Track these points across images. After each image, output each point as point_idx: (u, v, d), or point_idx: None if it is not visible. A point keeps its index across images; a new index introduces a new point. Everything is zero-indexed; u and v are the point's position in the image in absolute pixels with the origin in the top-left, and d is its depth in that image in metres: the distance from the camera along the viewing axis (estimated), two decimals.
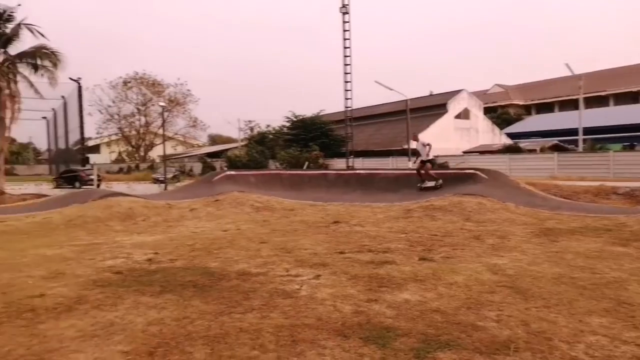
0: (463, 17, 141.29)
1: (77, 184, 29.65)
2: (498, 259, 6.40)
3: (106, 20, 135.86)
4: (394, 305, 4.50)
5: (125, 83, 62.43)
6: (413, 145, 15.60)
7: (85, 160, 42.43)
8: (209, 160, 51.34)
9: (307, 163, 33.18)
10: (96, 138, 68.96)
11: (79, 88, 39.33)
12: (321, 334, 3.82)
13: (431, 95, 48.08)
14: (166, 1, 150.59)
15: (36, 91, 19.70)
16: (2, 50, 18.67)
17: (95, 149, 69.52)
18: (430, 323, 4.01)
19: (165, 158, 34.46)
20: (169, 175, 30.01)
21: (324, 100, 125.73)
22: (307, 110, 65.53)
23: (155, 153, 66.87)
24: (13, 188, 22.51)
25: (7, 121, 18.62)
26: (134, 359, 3.41)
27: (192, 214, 10.91)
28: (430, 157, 14.59)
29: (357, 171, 17.71)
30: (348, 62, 28.50)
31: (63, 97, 42.03)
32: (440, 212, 10.38)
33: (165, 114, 43.57)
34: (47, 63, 19.00)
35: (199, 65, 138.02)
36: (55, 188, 29.36)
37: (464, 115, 42.72)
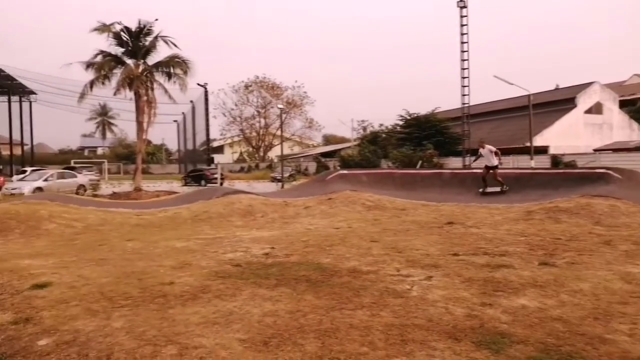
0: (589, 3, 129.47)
1: (202, 182, 31.97)
2: (633, 267, 5.78)
3: (229, 28, 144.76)
4: (510, 311, 4.27)
5: (246, 87, 66.13)
6: (480, 151, 15.02)
7: (210, 160, 45.70)
8: (323, 159, 52.52)
9: (420, 162, 32.60)
10: (220, 139, 73.71)
11: (206, 93, 42.46)
12: (431, 335, 3.75)
13: (557, 89, 44.73)
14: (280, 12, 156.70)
15: (170, 97, 21.64)
16: (142, 60, 20.76)
17: (219, 149, 74.30)
18: (551, 332, 3.75)
19: (282, 158, 35.84)
20: (286, 175, 31.19)
21: (439, 97, 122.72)
22: (422, 108, 64.30)
23: (274, 153, 69.98)
24: (148, 185, 24.90)
25: (145, 125, 20.67)
26: (250, 347, 3.60)
27: (307, 211, 11.25)
28: (495, 163, 14.39)
29: (474, 170, 17.02)
30: (465, 58, 27.57)
31: (191, 101, 45.54)
32: (565, 214, 9.63)
33: (283, 115, 45.33)
34: (178, 71, 20.77)
35: (316, 67, 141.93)
36: (183, 186, 31.91)
37: (595, 109, 39.17)
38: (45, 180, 23.17)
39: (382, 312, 4.33)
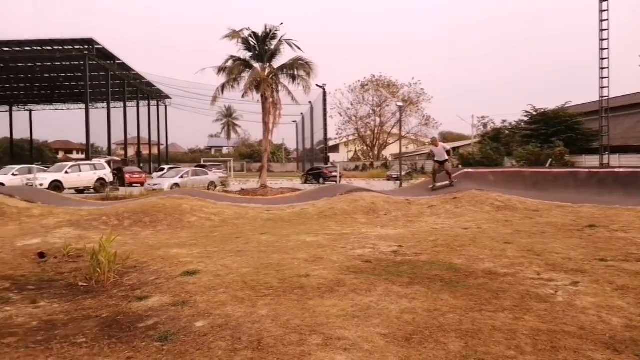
0: None
1: (321, 180, 32.79)
2: None
3: (347, 27, 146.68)
4: None
5: (362, 86, 66.63)
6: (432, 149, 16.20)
7: (327, 159, 46.73)
8: None
9: (550, 160, 30.45)
10: (336, 138, 75.07)
11: (324, 93, 43.51)
12: (586, 344, 3.50)
13: None
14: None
15: (293, 98, 22.51)
16: (268, 64, 21.82)
17: (335, 148, 75.73)
18: None
19: (400, 156, 35.56)
20: (403, 173, 30.90)
21: (568, 92, 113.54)
22: (550, 103, 59.94)
23: (388, 152, 69.70)
24: (271, 183, 26.08)
25: (270, 125, 21.71)
26: (392, 342, 3.63)
27: (431, 210, 11.06)
28: (446, 158, 15.25)
29: (616, 169, 15.52)
30: (605, 47, 25.24)
31: (310, 102, 46.87)
32: None
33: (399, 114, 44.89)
34: (302, 73, 21.52)
35: (433, 64, 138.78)
36: (304, 183, 32.98)
37: None
38: (181, 177, 25.33)
39: (526, 316, 4.13)
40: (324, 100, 44.92)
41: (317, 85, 35.66)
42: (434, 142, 16.50)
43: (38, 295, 5.50)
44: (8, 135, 69.04)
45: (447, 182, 14.88)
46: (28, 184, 22.10)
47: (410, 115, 65.58)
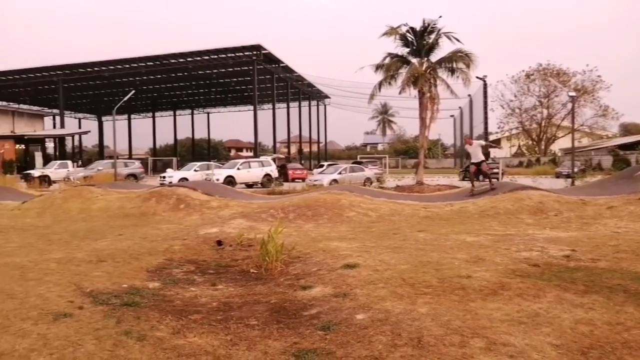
0: None
1: (481, 177, 31.23)
2: None
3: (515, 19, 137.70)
4: None
5: (527, 76, 61.89)
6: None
7: (487, 155, 44.43)
8: (621, 152, 45.39)
9: None
10: (497, 133, 70.92)
11: (485, 85, 41.48)
12: None
13: None
14: None
15: (452, 92, 21.86)
16: (425, 58, 21.51)
17: (496, 142, 71.63)
18: None
19: (573, 151, 32.34)
20: (575, 169, 28.03)
21: None
22: None
23: (557, 146, 63.82)
24: (427, 179, 25.63)
25: (427, 121, 21.37)
26: (566, 354, 3.33)
27: (610, 212, 9.87)
28: (482, 158, 14.21)
29: None
30: None
31: (469, 95, 45.03)
32: None
33: (571, 105, 40.75)
34: (461, 65, 20.80)
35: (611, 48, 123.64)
36: (462, 180, 31.78)
37: None
38: (339, 173, 26.19)
39: None
40: (485, 92, 42.83)
41: (477, 77, 34.12)
42: (467, 141, 15.02)
43: (217, 279, 6.14)
44: (190, 136, 78.32)
45: (486, 186, 13.49)
46: (207, 179, 24.76)
47: (584, 106, 59.13)
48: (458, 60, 20.78)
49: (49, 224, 10.74)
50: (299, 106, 59.74)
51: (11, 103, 58.58)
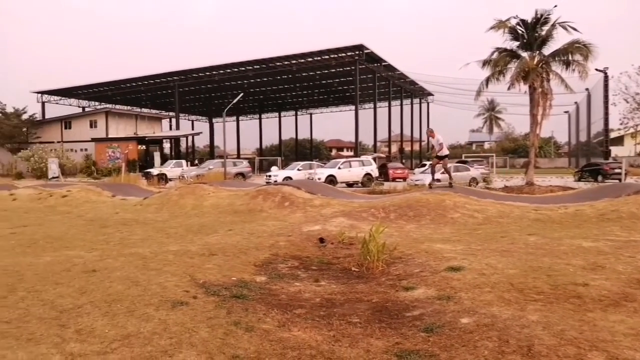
0: None
1: (599, 178, 28.83)
2: None
3: None
4: None
5: None
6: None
7: (607, 153, 40.77)
8: None
9: None
10: (619, 129, 64.82)
11: (605, 78, 38.09)
12: None
13: None
14: None
15: (566, 86, 20.30)
16: (537, 51, 20.24)
17: (618, 140, 65.54)
18: None
19: None
20: None
21: None
22: None
23: None
24: (537, 180, 24.11)
25: (539, 118, 20.07)
26: None
27: None
28: (446, 153, 14.35)
29: None
30: None
31: (587, 89, 41.68)
32: None
33: None
34: (577, 57, 19.28)
35: None
36: (577, 181, 29.54)
37: None
38: (442, 173, 25.49)
39: None
40: (605, 85, 39.25)
41: (596, 69, 31.44)
42: (430, 134, 14.76)
43: (319, 275, 6.27)
44: (293, 136, 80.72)
45: (446, 182, 13.97)
46: (309, 177, 25.36)
47: None
48: (574, 52, 19.26)
49: (166, 219, 11.62)
50: (401, 104, 59.07)
51: (134, 107, 64.26)
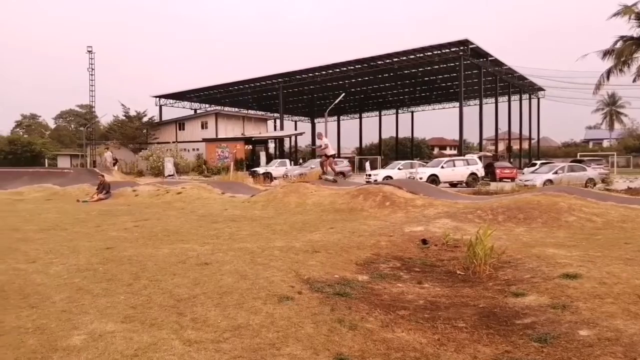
0: None
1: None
2: None
3: None
4: None
5: None
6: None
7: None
8: None
9: None
10: None
11: None
12: None
13: None
14: None
15: None
16: None
17: None
18: None
19: None
20: None
21: None
22: None
23: None
24: None
25: None
26: None
27: None
28: (331, 152, 17.08)
29: None
30: None
31: None
32: None
33: None
34: None
35: None
36: None
37: None
38: (555, 173, 23.88)
39: None
40: None
41: None
42: (319, 136, 16.89)
43: (422, 277, 6.15)
44: (394, 135, 80.00)
45: (331, 178, 16.16)
46: (410, 177, 24.97)
47: None
48: None
49: (272, 216, 12.04)
50: (509, 100, 56.16)
51: (241, 109, 67.50)
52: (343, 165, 35.39)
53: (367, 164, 40.84)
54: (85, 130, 58.96)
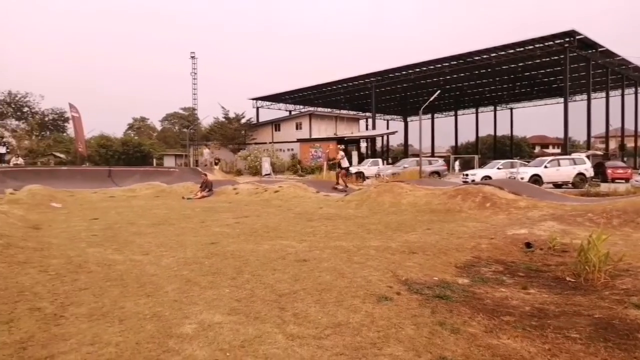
0: None
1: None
2: None
3: None
4: None
5: None
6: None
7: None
8: None
9: None
10: None
11: None
12: None
13: None
14: None
15: None
16: None
17: None
18: None
19: None
20: None
21: None
22: None
23: None
24: None
25: None
26: None
27: None
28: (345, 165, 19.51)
29: None
30: None
31: None
32: None
33: None
34: None
35: None
36: None
37: None
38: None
39: None
40: None
41: None
42: (337, 150, 19.25)
43: (527, 282, 5.83)
44: (491, 133, 76.69)
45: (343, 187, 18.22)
46: (511, 177, 23.80)
47: None
48: None
49: (366, 215, 12.04)
50: (622, 94, 51.61)
51: (334, 109, 68.22)
52: (438, 164, 34.56)
53: (457, 163, 39.56)
54: (188, 131, 62.73)
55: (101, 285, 5.42)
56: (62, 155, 53.03)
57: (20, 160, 37.47)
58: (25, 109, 71.05)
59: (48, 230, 9.83)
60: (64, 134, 68.39)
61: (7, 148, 55.69)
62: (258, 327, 4.03)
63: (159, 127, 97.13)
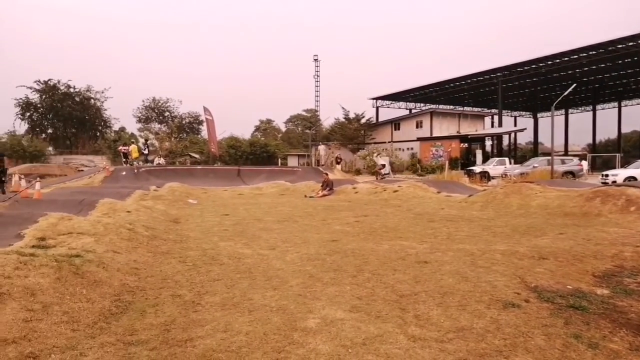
0: None
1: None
2: None
3: None
4: None
5: None
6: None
7: None
8: None
9: None
10: None
11: None
12: None
13: None
14: None
15: None
16: None
17: None
18: None
19: None
20: None
21: None
22: None
23: None
24: None
25: None
26: None
27: None
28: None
29: None
30: None
31: None
32: None
33: None
34: None
35: None
36: None
37: None
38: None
39: None
40: None
41: None
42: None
43: None
44: (637, 129, 68.90)
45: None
46: None
47: None
48: None
49: (492, 217, 11.49)
50: None
51: (457, 107, 65.97)
52: (572, 164, 31.87)
53: (584, 163, 36.05)
54: (310, 132, 64.69)
55: (232, 277, 5.83)
56: (196, 156, 57.55)
57: (162, 160, 41.28)
58: (166, 114, 78.29)
59: (185, 224, 10.78)
60: (198, 136, 74.23)
61: (149, 149, 61.86)
62: (379, 326, 4.06)
63: (283, 128, 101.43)
